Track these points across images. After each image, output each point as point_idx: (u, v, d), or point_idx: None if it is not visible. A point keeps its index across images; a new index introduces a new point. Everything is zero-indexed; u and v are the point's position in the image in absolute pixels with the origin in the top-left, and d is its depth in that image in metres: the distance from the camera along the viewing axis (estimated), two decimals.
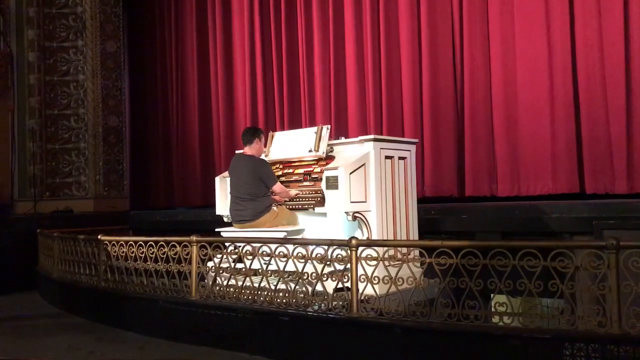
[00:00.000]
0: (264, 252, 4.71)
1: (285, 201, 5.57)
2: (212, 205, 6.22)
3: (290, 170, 5.73)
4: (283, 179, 5.69)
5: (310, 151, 5.60)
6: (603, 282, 3.44)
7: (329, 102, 9.08)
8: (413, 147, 5.77)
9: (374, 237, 5.10)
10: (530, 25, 7.29)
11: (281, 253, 4.61)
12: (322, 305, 4.40)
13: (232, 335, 4.73)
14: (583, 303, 3.60)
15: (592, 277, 3.52)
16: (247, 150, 5.59)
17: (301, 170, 5.63)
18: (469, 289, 3.76)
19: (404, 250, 4.27)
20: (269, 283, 4.69)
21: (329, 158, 5.47)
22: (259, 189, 5.35)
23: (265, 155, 5.86)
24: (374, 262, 4.17)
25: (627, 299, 3.37)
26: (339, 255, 4.35)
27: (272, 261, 4.66)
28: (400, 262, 4.15)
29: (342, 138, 5.75)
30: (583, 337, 3.37)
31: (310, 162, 5.65)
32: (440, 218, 6.64)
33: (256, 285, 4.75)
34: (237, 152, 6.02)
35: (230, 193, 5.59)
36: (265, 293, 4.68)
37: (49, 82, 10.88)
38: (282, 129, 9.15)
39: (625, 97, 6.65)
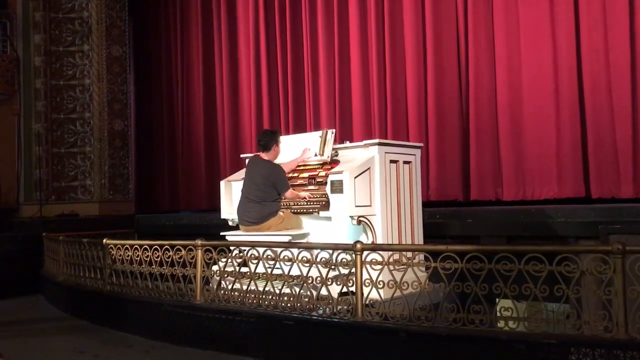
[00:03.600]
0: (269, 256, 4.71)
1: (290, 204, 5.56)
2: (217, 209, 6.23)
3: (295, 174, 5.72)
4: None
5: (315, 155, 5.60)
6: (609, 287, 3.43)
7: (333, 106, 9.10)
8: (418, 151, 5.76)
9: (379, 241, 5.09)
10: (536, 30, 7.29)
11: (286, 257, 4.60)
12: (327, 309, 4.39)
13: (236, 339, 4.73)
14: (589, 308, 3.58)
15: (598, 281, 3.50)
16: (264, 155, 5.58)
17: (306, 174, 5.63)
18: (474, 294, 3.74)
19: (409, 254, 4.25)
20: (273, 287, 4.68)
21: (334, 162, 5.47)
22: (270, 194, 5.35)
23: None
24: (379, 267, 4.17)
25: (633, 304, 3.35)
26: (344, 260, 4.35)
27: (277, 265, 4.66)
28: (405, 266, 4.14)
29: (347, 142, 5.75)
30: (589, 342, 3.36)
31: (315, 166, 5.65)
32: (445, 222, 6.62)
33: (261, 289, 4.74)
34: (252, 154, 5.99)
35: (242, 191, 5.59)
36: (270, 297, 4.68)
37: (55, 86, 10.92)
38: (287, 133, 9.17)
39: (631, 101, 6.65)
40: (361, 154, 5.31)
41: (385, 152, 5.29)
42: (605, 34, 6.80)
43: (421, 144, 5.98)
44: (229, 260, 5.01)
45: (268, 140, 5.57)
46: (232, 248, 5.13)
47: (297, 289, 4.53)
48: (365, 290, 4.18)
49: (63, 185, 10.91)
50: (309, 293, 4.50)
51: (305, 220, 5.61)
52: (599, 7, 6.83)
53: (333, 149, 5.53)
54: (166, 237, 6.77)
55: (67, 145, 10.97)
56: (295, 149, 5.84)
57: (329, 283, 4.40)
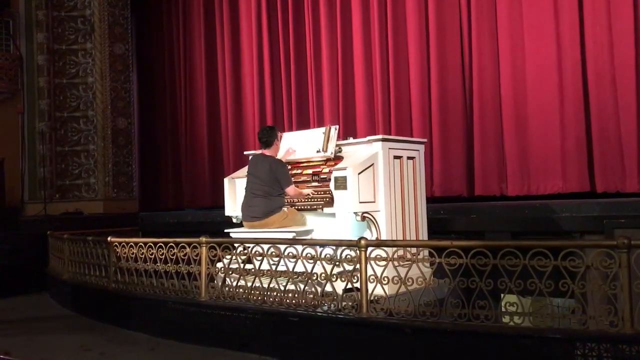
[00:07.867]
0: (273, 253, 4.72)
1: (294, 201, 5.56)
2: (221, 206, 6.23)
3: (299, 171, 5.72)
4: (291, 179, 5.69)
5: (318, 152, 5.59)
6: (614, 282, 3.42)
7: (337, 102, 9.08)
8: (422, 147, 5.75)
9: (383, 237, 5.08)
10: (539, 24, 7.25)
11: (290, 254, 4.61)
12: (332, 305, 4.39)
13: (241, 336, 4.74)
14: (594, 303, 3.57)
15: (604, 276, 3.49)
16: (267, 151, 5.60)
17: (309, 171, 5.63)
18: (479, 289, 3.74)
19: (414, 250, 4.25)
20: (278, 284, 4.68)
21: (338, 158, 5.47)
22: (274, 189, 5.36)
23: None
24: (383, 263, 4.16)
25: (639, 299, 3.34)
26: (348, 256, 4.35)
27: (282, 262, 4.66)
28: (409, 262, 4.14)
29: (351, 138, 5.74)
30: (594, 337, 3.35)
31: (318, 163, 5.64)
32: (450, 218, 6.61)
33: (265, 286, 4.75)
34: (255, 152, 6.02)
35: (246, 189, 5.60)
36: (275, 294, 4.68)
37: (58, 84, 10.95)
38: (291, 129, 9.15)
39: (636, 94, 6.61)
40: (365, 150, 5.30)
41: (389, 148, 5.28)
42: (609, 27, 6.76)
43: (425, 140, 5.96)
44: (234, 257, 5.01)
45: (269, 136, 5.59)
46: (236, 245, 5.14)
47: (302, 286, 4.53)
48: (370, 286, 4.18)
49: (67, 183, 10.95)
50: (313, 289, 4.50)
51: (309, 217, 5.61)
52: (603, 0, 6.79)
53: (336, 145, 5.52)
54: (170, 234, 6.77)
55: (70, 143, 11.01)
56: (298, 145, 5.83)
57: (333, 279, 4.40)
